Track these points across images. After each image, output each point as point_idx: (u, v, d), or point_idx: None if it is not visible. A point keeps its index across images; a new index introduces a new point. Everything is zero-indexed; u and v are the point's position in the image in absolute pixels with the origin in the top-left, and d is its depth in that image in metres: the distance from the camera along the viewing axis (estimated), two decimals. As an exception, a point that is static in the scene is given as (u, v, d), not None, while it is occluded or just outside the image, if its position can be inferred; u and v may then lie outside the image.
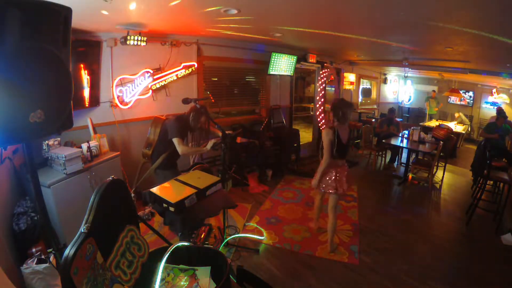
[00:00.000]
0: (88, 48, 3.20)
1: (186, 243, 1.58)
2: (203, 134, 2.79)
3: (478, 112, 9.73)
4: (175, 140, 2.53)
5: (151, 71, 3.74)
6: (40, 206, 1.44)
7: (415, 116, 10.81)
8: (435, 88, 10.30)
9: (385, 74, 10.00)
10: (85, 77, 3.14)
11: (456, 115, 8.84)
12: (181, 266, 1.53)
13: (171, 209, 1.92)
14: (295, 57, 5.43)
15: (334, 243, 2.90)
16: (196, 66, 4.17)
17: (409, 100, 11.00)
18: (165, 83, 3.91)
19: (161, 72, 3.86)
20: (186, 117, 2.65)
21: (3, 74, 1.00)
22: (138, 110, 3.76)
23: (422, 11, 2.35)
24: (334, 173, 2.69)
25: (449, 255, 2.91)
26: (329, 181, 2.71)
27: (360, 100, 8.85)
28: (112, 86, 3.47)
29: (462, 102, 9.91)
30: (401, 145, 5.15)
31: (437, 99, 9.27)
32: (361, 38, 4.02)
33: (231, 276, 1.85)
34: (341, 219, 3.49)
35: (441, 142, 5.00)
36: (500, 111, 5.63)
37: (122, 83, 3.54)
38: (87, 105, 3.23)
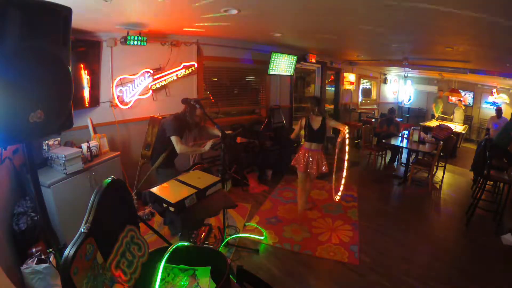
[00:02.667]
0: (88, 48, 3.20)
1: (186, 243, 1.58)
2: (200, 132, 2.80)
3: (478, 112, 9.73)
4: (173, 139, 2.54)
5: (151, 71, 3.74)
6: (40, 206, 1.44)
7: (415, 116, 10.80)
8: (435, 88, 10.29)
9: (385, 74, 10.00)
10: (85, 77, 3.13)
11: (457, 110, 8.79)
12: (181, 266, 1.53)
13: (171, 209, 1.92)
14: (295, 57, 5.43)
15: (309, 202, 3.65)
16: (196, 66, 4.17)
17: (409, 100, 11.00)
18: (165, 83, 3.91)
19: (161, 72, 3.85)
20: (183, 115, 2.68)
21: (3, 74, 1.00)
22: (138, 110, 3.75)
23: (423, 11, 2.35)
24: (306, 154, 3.20)
25: (449, 255, 2.91)
26: (301, 160, 3.21)
27: (360, 100, 8.86)
28: (112, 86, 3.47)
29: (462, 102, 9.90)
30: (401, 145, 5.15)
31: (442, 99, 9.23)
32: (361, 38, 4.03)
33: (231, 276, 1.84)
34: (341, 219, 3.49)
35: (441, 142, 4.99)
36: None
37: (122, 83, 3.54)
38: (87, 105, 3.23)
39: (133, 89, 3.61)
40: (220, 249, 2.71)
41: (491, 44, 3.51)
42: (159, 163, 2.70)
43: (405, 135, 5.44)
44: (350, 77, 8.22)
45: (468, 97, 9.79)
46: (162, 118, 2.79)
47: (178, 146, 2.54)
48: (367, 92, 9.13)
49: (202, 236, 2.88)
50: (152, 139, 2.77)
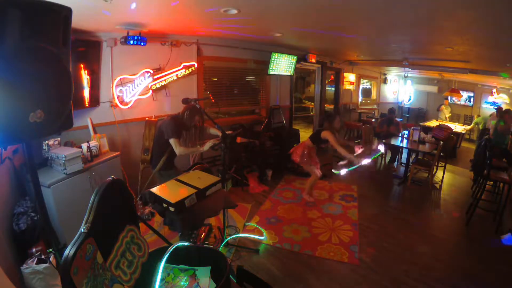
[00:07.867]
0: (88, 48, 3.20)
1: (186, 243, 1.58)
2: (198, 133, 2.78)
3: (478, 112, 9.73)
4: (172, 141, 2.52)
5: (151, 71, 3.73)
6: (40, 206, 1.44)
7: (415, 116, 10.81)
8: (435, 88, 10.30)
9: (385, 74, 10.00)
10: (85, 77, 3.13)
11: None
12: (181, 266, 1.53)
13: (171, 209, 1.92)
14: (295, 57, 5.43)
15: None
16: (196, 66, 4.17)
17: (409, 100, 11.00)
18: (165, 83, 3.90)
19: (161, 72, 3.85)
20: (180, 116, 2.63)
21: (3, 74, 1.00)
22: (138, 110, 3.75)
23: (422, 11, 2.35)
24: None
25: (449, 255, 2.91)
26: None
27: (360, 100, 8.85)
28: (112, 86, 3.47)
29: (462, 102, 9.91)
30: (401, 145, 5.15)
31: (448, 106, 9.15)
32: (361, 38, 4.02)
33: (231, 276, 1.85)
34: (341, 219, 3.49)
35: (441, 142, 4.99)
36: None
37: (122, 83, 3.54)
38: (87, 105, 3.22)
39: (133, 89, 3.61)
40: (220, 249, 2.71)
41: (491, 44, 3.51)
42: (159, 166, 2.70)
43: (405, 135, 5.45)
44: (350, 77, 8.22)
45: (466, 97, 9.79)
46: (158, 120, 2.77)
47: (177, 149, 2.52)
48: (367, 92, 9.13)
49: (202, 236, 2.88)
50: (150, 143, 2.75)
